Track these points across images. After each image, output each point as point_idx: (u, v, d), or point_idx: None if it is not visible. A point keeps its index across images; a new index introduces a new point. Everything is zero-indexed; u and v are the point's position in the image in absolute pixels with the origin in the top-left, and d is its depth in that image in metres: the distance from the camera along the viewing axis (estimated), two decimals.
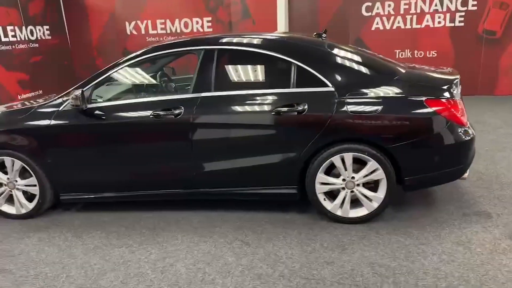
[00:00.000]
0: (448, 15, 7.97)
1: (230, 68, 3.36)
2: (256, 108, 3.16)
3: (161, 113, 3.20)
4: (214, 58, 3.24)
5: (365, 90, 3.04)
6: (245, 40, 3.34)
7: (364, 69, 3.17)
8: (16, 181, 3.55)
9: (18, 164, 3.47)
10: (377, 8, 8.27)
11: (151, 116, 3.22)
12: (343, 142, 3.07)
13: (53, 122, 3.36)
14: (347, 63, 3.20)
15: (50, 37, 8.93)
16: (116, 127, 3.33)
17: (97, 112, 3.31)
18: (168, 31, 9.23)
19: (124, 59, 3.40)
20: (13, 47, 7.90)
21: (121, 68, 3.38)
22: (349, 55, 3.29)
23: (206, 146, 3.24)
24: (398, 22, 8.23)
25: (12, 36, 7.88)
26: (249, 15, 8.76)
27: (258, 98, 3.16)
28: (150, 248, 3.07)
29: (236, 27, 8.85)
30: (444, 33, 8.05)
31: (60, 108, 3.38)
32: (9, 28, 7.79)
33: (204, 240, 3.13)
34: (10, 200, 3.66)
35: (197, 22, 9.08)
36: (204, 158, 3.27)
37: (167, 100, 3.27)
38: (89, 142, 3.39)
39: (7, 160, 3.48)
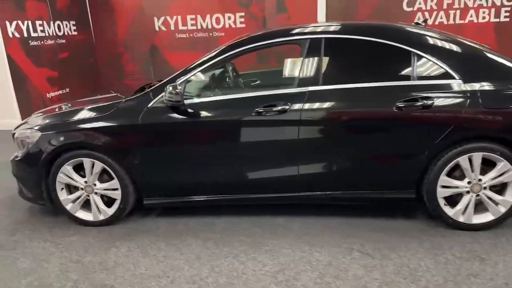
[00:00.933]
0: (493, 10, 7.71)
1: (340, 59, 3.05)
2: (373, 103, 2.87)
3: (265, 109, 2.90)
4: (321, 48, 2.94)
5: (496, 82, 2.76)
6: (355, 28, 3.05)
7: (489, 60, 2.89)
8: (95, 184, 3.23)
9: (98, 166, 3.15)
10: (419, 3, 7.99)
11: (253, 114, 2.91)
12: (472, 140, 2.78)
13: (141, 120, 3.04)
14: (471, 53, 2.92)
15: (76, 33, 8.57)
16: (213, 125, 3.03)
17: (191, 109, 3.00)
18: (199, 27, 8.90)
19: (218, 51, 3.09)
20: (42, 42, 7.54)
21: (218, 61, 3.06)
22: (469, 45, 3.01)
23: (314, 145, 2.95)
24: (441, 17, 7.96)
25: (41, 31, 7.51)
26: (285, 9, 8.45)
27: (374, 92, 2.87)
28: (260, 258, 2.77)
29: (270, 23, 8.55)
30: (489, 28, 7.79)
31: (150, 105, 3.06)
32: (38, 22, 7.43)
33: (316, 249, 2.84)
34: (86, 206, 3.33)
35: (229, 18, 8.75)
36: (310, 159, 2.97)
37: (271, 96, 2.97)
38: (182, 141, 3.08)
39: (86, 162, 3.16)
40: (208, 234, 3.11)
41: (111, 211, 3.28)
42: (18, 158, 3.30)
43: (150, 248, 2.96)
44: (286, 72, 3.41)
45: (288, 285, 2.48)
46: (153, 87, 3.16)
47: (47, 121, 3.29)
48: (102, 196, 3.28)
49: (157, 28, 9.12)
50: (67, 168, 3.19)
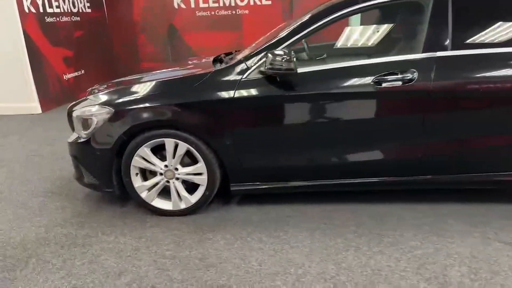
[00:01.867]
0: None
1: (472, 19, 2.62)
2: None
3: (387, 78, 2.50)
4: (448, 6, 2.53)
5: None
6: None
7: None
8: (177, 169, 2.79)
9: (183, 147, 2.72)
10: None
11: (372, 84, 2.51)
12: None
13: (237, 93, 2.61)
14: None
15: (90, 10, 7.98)
16: (322, 98, 2.62)
17: (298, 79, 2.58)
18: (221, 5, 8.40)
19: (324, 10, 2.66)
20: (58, 19, 6.96)
21: (324, 23, 2.64)
22: None
23: (443, 120, 2.56)
24: None
25: (56, 6, 6.93)
26: None
27: None
28: (387, 251, 2.40)
29: (297, 1, 8.09)
30: None
31: (245, 76, 2.63)
32: None
33: (448, 240, 2.49)
34: (162, 193, 2.91)
35: None
36: (437, 137, 2.59)
37: (393, 63, 2.56)
38: (283, 118, 2.66)
39: (169, 143, 2.73)
40: (309, 223, 2.73)
41: (194, 198, 2.86)
42: (82, 140, 2.84)
43: (252, 240, 2.57)
44: (407, 35, 2.99)
45: (441, 283, 2.11)
46: (245, 55, 2.72)
47: (121, 96, 2.83)
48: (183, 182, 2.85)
49: (176, 6, 8.59)
50: (145, 150, 2.75)
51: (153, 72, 3.40)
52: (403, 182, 2.73)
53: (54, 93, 6.80)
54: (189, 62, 3.61)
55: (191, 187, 2.86)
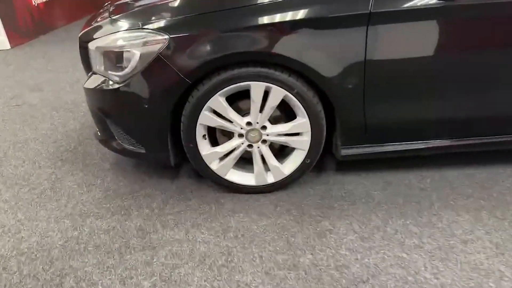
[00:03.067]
0: None
1: None
2: None
3: None
4: None
5: None
6: None
7: None
8: (265, 127, 1.87)
9: (278, 95, 1.78)
10: None
11: None
12: None
13: (375, 6, 1.65)
14: None
15: None
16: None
17: None
18: None
19: None
20: None
21: None
22: None
23: None
24: None
25: None
26: None
27: None
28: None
29: None
30: None
31: None
32: None
33: None
34: (238, 163, 2.00)
35: None
36: None
37: None
38: (437, 47, 1.74)
39: (257, 89, 1.78)
40: (462, 200, 1.91)
41: (287, 168, 1.97)
42: (115, 86, 1.84)
43: (396, 233, 1.73)
44: None
45: None
46: None
47: (176, 13, 1.80)
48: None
49: None
50: (219, 100, 1.79)
51: None
52: None
53: (24, 24, 5.46)
54: None
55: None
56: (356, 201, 1.94)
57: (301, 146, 1.92)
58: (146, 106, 1.83)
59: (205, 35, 1.72)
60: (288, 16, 1.68)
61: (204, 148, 1.93)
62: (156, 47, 1.74)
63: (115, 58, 1.84)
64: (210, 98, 1.80)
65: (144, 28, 1.79)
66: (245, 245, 1.69)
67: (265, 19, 1.68)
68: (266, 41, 1.69)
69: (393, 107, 1.85)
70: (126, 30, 1.85)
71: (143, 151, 1.99)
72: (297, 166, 1.97)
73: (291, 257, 1.62)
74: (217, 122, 1.86)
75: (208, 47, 1.72)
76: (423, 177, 2.12)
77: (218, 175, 1.98)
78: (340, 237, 1.72)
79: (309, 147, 1.92)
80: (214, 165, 1.96)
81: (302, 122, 1.86)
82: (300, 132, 1.90)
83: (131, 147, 2.02)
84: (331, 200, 1.96)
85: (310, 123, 1.86)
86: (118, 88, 1.85)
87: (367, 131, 1.91)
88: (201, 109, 1.82)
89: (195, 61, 1.72)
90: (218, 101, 1.81)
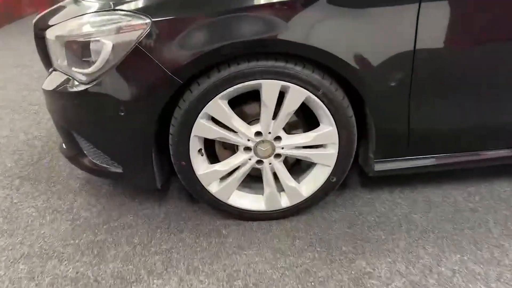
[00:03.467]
0: None
1: None
2: None
3: None
4: None
5: None
6: None
7: None
8: (279, 138, 1.43)
9: (299, 96, 1.35)
10: None
11: None
12: None
13: None
14: None
15: None
16: None
17: None
18: None
19: None
20: None
21: None
22: None
23: None
24: None
25: None
26: None
27: None
28: None
29: None
30: None
31: None
32: None
33: None
34: (246, 182, 1.57)
35: None
36: None
37: None
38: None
39: (270, 89, 1.34)
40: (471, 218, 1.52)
41: (306, 189, 1.54)
42: (81, 87, 1.38)
43: (461, 261, 1.34)
44: None
45: None
46: None
47: None
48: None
49: None
50: (220, 104, 1.34)
51: None
52: None
53: None
54: None
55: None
56: (395, 229, 1.53)
57: (326, 161, 1.50)
58: (123, 113, 1.38)
59: (200, 18, 1.27)
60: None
61: (200, 166, 1.48)
62: (134, 35, 1.29)
63: (81, 50, 1.38)
64: (208, 102, 1.35)
65: (118, 10, 1.33)
66: None
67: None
68: (282, 25, 1.25)
69: (448, 110, 1.43)
70: (94, 12, 1.39)
71: (120, 170, 1.53)
72: (319, 186, 1.54)
73: None
74: (217, 133, 1.42)
75: (204, 35, 1.27)
76: (469, 193, 1.72)
77: (218, 199, 1.54)
78: (383, 283, 1.30)
79: (336, 162, 1.49)
80: (214, 188, 1.52)
81: (328, 131, 1.43)
82: (324, 143, 1.46)
83: (105, 166, 1.56)
84: (363, 228, 1.54)
85: (338, 132, 1.43)
86: (86, 89, 1.39)
87: (411, 140, 1.49)
88: (196, 117, 1.37)
89: (187, 53, 1.28)
90: (219, 106, 1.36)
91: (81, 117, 1.48)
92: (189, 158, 1.45)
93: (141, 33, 1.28)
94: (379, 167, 1.55)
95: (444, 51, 1.32)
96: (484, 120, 1.48)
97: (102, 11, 1.37)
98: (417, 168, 1.58)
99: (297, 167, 1.65)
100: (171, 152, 1.45)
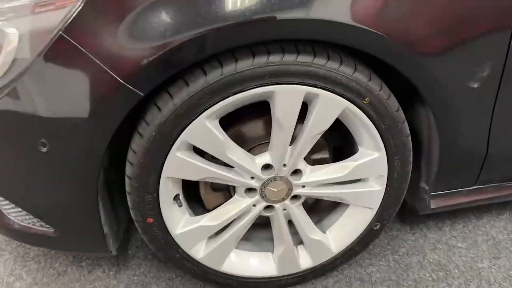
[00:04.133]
0: None
1: None
2: None
3: None
4: None
5: None
6: None
7: None
8: (298, 171, 0.91)
9: (333, 108, 0.85)
10: None
11: None
12: None
13: None
14: None
15: None
16: None
17: None
18: None
19: None
20: None
21: None
22: None
23: None
24: None
25: None
26: None
27: None
28: None
29: None
30: None
31: None
32: None
33: None
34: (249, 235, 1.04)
35: None
36: None
37: None
38: None
39: (287, 98, 0.81)
40: None
41: (338, 242, 1.03)
42: None
43: None
44: None
45: None
46: None
47: None
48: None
49: None
50: (208, 127, 0.80)
51: None
52: None
53: None
54: None
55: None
56: None
57: (368, 202, 1.00)
58: (45, 148, 0.81)
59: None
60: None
61: (178, 222, 0.95)
62: (56, 17, 0.73)
63: None
64: (188, 124, 0.81)
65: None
66: None
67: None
68: None
69: None
70: None
71: (50, 232, 0.97)
72: (355, 238, 1.04)
73: None
74: (203, 171, 0.88)
75: (175, 13, 0.73)
76: None
77: (206, 267, 1.01)
78: None
79: (381, 202, 1.00)
80: (199, 252, 0.99)
81: (373, 158, 0.92)
82: (365, 177, 0.96)
83: (26, 226, 0.99)
84: None
85: (388, 160, 0.93)
86: None
87: (486, 167, 1.01)
88: (169, 149, 0.83)
89: (149, 45, 0.73)
90: (205, 129, 0.82)
91: None
92: (159, 211, 0.91)
93: (69, 13, 0.73)
94: (437, 203, 1.07)
95: None
96: None
97: None
98: (487, 200, 1.11)
99: (316, 206, 1.14)
100: (129, 205, 0.91)
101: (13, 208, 0.97)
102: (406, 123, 0.92)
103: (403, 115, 0.91)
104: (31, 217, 0.96)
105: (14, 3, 0.79)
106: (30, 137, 0.82)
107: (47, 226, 0.97)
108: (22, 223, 0.99)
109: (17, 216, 0.99)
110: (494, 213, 1.33)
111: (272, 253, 1.06)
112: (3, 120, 0.83)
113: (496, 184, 1.10)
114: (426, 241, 1.23)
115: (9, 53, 0.79)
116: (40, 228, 0.98)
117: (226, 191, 1.01)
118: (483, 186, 1.09)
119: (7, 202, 0.96)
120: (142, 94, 0.77)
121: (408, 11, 0.79)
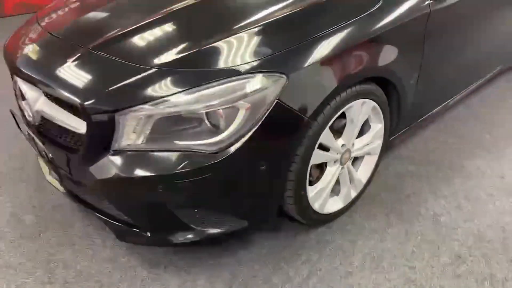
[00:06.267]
0: None
1: None
2: None
3: None
4: None
5: None
6: None
7: None
8: (353, 144, 1.81)
9: (369, 107, 1.75)
10: None
11: None
12: None
13: None
14: None
15: None
16: None
17: None
18: None
19: None
20: None
21: None
22: None
23: None
24: None
25: None
26: None
27: None
28: None
29: None
30: None
31: None
32: None
33: None
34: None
35: None
36: None
37: None
38: None
39: (357, 107, 1.68)
40: None
41: (364, 176, 1.95)
42: (215, 157, 1.36)
43: None
44: None
45: None
46: None
47: (272, 45, 1.41)
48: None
49: None
50: (328, 130, 1.61)
51: None
52: None
53: None
54: None
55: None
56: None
57: (377, 150, 1.91)
58: (263, 167, 1.43)
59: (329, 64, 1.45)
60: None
61: (310, 190, 1.67)
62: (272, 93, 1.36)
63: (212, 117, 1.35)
64: (322, 132, 1.55)
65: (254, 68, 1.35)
66: None
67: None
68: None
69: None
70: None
71: (245, 224, 1.55)
72: (369, 176, 1.95)
73: None
74: (323, 156, 1.64)
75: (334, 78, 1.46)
76: None
77: (318, 213, 1.75)
78: None
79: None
80: (315, 205, 1.72)
81: (380, 127, 1.84)
82: (374, 140, 1.87)
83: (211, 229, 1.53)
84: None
85: (385, 126, 1.87)
86: (219, 159, 1.36)
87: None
88: (313, 148, 1.55)
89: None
90: (328, 132, 1.59)
91: (213, 189, 1.42)
92: (305, 186, 1.62)
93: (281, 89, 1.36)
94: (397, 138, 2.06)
95: None
96: None
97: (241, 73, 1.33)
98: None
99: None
100: (298, 186, 1.56)
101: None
102: (387, 101, 1.82)
103: (385, 97, 1.80)
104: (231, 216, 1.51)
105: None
106: (253, 164, 1.40)
107: (242, 221, 1.53)
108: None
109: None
110: None
111: (337, 195, 1.85)
112: (233, 160, 1.36)
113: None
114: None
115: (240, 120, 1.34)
116: (233, 224, 1.53)
117: (320, 167, 1.74)
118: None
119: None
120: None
121: None
